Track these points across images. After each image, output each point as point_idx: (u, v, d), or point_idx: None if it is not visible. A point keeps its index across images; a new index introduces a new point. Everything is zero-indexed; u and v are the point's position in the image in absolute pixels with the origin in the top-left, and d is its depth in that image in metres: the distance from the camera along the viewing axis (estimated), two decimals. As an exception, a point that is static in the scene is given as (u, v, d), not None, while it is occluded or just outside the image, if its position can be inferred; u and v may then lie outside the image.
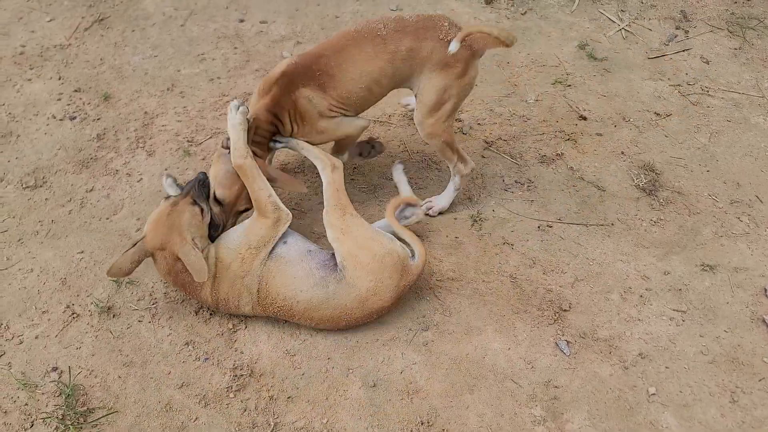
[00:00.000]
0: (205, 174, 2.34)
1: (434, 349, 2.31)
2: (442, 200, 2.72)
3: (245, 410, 2.13)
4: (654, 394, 2.23)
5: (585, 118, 3.23)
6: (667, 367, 2.30)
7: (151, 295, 2.41)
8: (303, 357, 2.27)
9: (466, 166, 2.65)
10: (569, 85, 3.41)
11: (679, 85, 3.46)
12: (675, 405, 2.21)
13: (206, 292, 2.23)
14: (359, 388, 2.20)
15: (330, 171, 2.35)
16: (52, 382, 2.18)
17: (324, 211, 2.33)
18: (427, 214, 2.69)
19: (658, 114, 3.29)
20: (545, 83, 3.42)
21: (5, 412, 2.10)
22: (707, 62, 3.61)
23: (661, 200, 2.87)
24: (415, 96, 2.51)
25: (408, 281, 2.28)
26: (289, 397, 2.17)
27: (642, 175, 2.97)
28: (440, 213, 2.73)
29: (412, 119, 3.08)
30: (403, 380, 2.22)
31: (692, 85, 3.46)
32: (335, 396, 2.18)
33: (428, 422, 2.13)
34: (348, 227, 2.29)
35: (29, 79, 3.22)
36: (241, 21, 3.62)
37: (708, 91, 3.43)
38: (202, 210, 2.26)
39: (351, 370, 2.24)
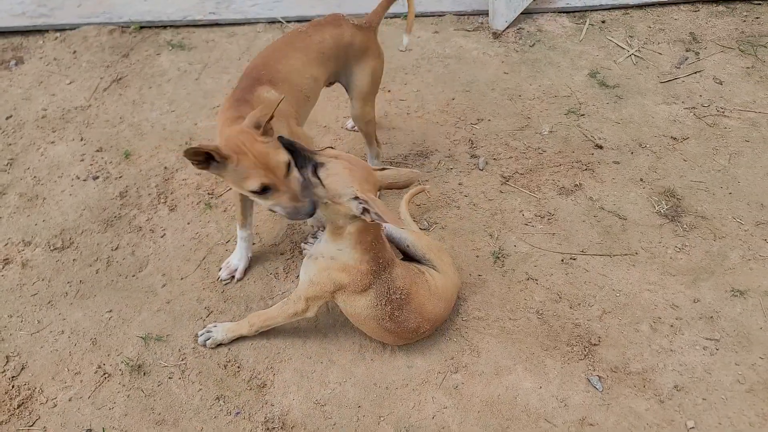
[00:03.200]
0: None
1: (465, 391, 2.31)
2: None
3: (279, 464, 2.15)
4: (693, 428, 2.21)
5: (601, 147, 3.26)
6: (704, 399, 2.28)
7: (180, 350, 2.45)
8: (333, 406, 2.28)
9: (380, 148, 3.02)
10: (582, 115, 3.45)
11: (693, 107, 3.48)
12: (715, 438, 2.19)
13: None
14: (392, 435, 2.21)
15: None
16: (86, 444, 2.21)
17: None
18: None
19: (674, 138, 3.31)
20: (558, 114, 3.46)
21: (42, 477, 2.15)
22: (720, 83, 3.63)
23: (685, 226, 2.87)
24: (347, 88, 2.73)
25: None
26: (322, 449, 2.18)
27: (663, 202, 2.98)
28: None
29: (424, 162, 3.15)
30: (435, 426, 2.22)
31: (707, 107, 3.48)
32: (368, 445, 2.19)
33: (463, 468, 2.13)
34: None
35: (52, 142, 3.34)
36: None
37: (724, 112, 3.44)
38: None
39: (382, 418, 2.25)
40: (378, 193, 2.11)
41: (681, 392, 2.30)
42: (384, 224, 2.11)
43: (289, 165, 2.08)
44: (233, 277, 2.68)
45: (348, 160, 2.05)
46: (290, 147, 2.02)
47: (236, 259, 2.68)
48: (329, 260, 2.22)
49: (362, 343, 2.45)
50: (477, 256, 2.76)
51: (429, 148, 3.28)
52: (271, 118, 2.06)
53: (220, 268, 2.69)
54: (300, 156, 2.02)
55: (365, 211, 1.99)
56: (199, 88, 3.65)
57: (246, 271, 2.71)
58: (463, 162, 3.20)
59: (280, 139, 2.02)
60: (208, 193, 3.04)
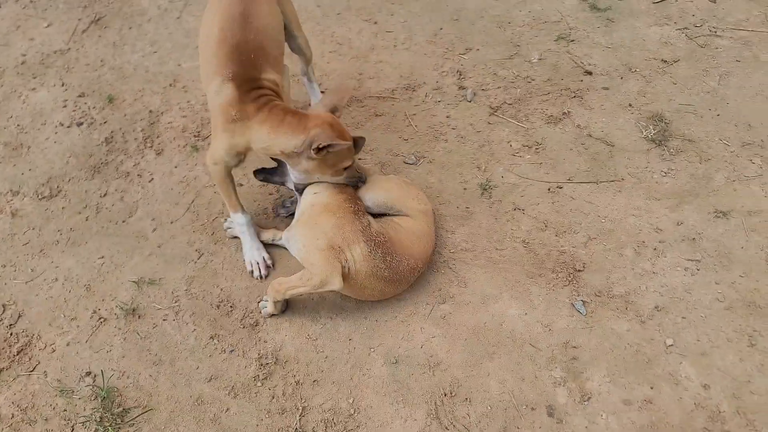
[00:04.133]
0: None
1: (452, 321, 2.37)
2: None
3: (273, 397, 2.22)
4: (672, 345, 2.27)
5: (590, 73, 3.21)
6: (683, 318, 2.34)
7: (173, 293, 2.50)
8: (325, 340, 2.35)
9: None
10: (572, 40, 3.38)
11: (686, 28, 3.40)
12: (693, 354, 2.25)
13: None
14: (382, 365, 2.27)
15: None
16: (87, 386, 2.27)
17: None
18: None
19: (665, 61, 3.24)
20: (548, 40, 3.39)
21: (46, 419, 2.21)
22: (714, 1, 3.52)
23: (672, 150, 2.86)
24: (286, 21, 2.57)
25: None
26: (314, 381, 2.25)
27: (651, 126, 2.95)
28: None
29: (411, 95, 3.11)
30: (423, 354, 2.29)
31: (699, 26, 3.40)
32: (359, 376, 2.26)
33: (451, 392, 2.20)
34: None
35: (33, 89, 3.29)
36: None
37: (716, 32, 3.36)
38: None
39: (372, 349, 2.32)
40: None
41: (661, 312, 2.35)
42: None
43: None
44: (269, 267, 2.55)
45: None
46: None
47: (254, 251, 2.54)
48: (310, 208, 2.31)
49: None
50: (465, 189, 2.77)
51: (416, 80, 3.22)
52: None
53: (251, 272, 2.54)
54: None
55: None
56: (180, 27, 3.56)
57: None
58: (450, 94, 3.16)
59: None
60: (194, 136, 3.02)
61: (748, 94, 3.06)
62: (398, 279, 2.32)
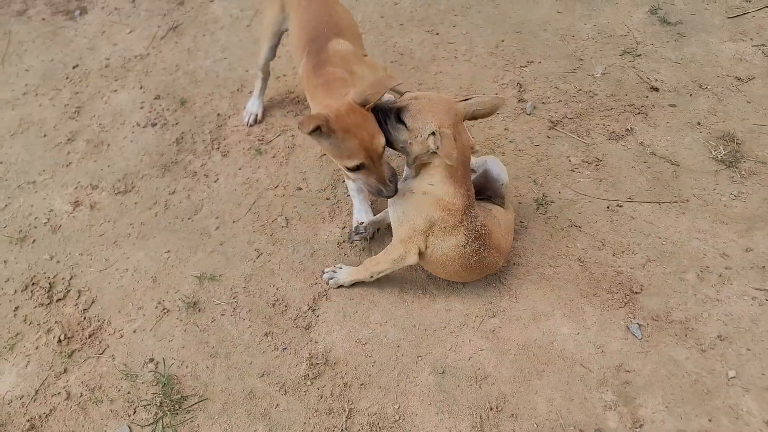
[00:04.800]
0: None
1: (502, 335, 2.32)
2: None
3: (321, 397, 2.24)
4: (734, 377, 2.15)
5: (657, 89, 3.09)
6: (748, 350, 2.21)
7: (231, 289, 2.56)
8: (374, 345, 2.35)
9: None
10: (639, 55, 3.26)
11: (762, 45, 3.22)
12: (757, 388, 2.12)
13: None
14: (429, 374, 2.25)
15: None
16: (149, 372, 2.35)
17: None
18: None
19: (739, 78, 3.09)
20: (613, 55, 3.28)
21: (111, 400, 2.29)
22: (794, 17, 3.34)
23: (743, 172, 2.71)
24: None
25: None
26: (362, 384, 2.25)
27: (721, 146, 2.81)
28: None
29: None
30: (471, 367, 2.25)
31: (777, 43, 3.22)
32: (406, 383, 2.24)
33: (497, 407, 2.15)
34: None
35: (115, 90, 3.44)
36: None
37: (795, 50, 3.18)
38: None
39: (420, 358, 2.30)
40: (463, 121, 2.15)
41: (724, 342, 2.23)
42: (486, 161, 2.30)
43: (384, 148, 2.13)
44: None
45: (427, 97, 2.09)
46: (374, 110, 2.11)
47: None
48: (421, 195, 2.19)
49: (402, 287, 2.48)
50: (520, 203, 2.71)
51: (476, 91, 3.18)
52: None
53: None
54: (382, 112, 2.10)
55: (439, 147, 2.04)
56: (250, 35, 3.65)
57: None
58: (510, 106, 3.10)
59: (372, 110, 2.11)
60: (258, 140, 3.09)
61: (828, 116, 2.87)
62: (480, 269, 2.30)
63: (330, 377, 2.28)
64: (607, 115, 3.00)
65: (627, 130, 2.93)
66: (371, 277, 2.41)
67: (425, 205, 2.18)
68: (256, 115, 3.16)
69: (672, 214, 2.61)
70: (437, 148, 2.03)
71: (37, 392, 2.33)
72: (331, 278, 2.49)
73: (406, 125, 2.07)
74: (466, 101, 2.13)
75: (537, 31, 3.44)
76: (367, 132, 2.07)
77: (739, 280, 2.38)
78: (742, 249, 2.47)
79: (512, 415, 2.13)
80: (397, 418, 2.16)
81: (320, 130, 2.03)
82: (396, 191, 2.18)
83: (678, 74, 3.14)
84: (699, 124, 2.92)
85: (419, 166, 2.18)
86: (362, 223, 2.58)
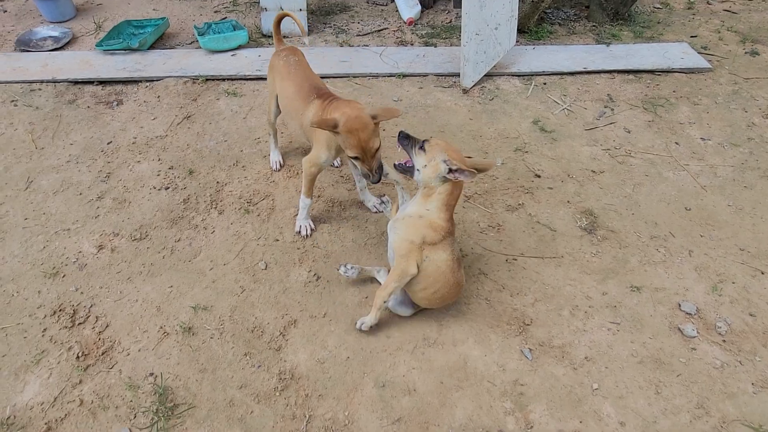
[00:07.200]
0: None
1: (428, 357, 2.24)
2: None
3: (287, 405, 2.08)
4: (597, 388, 2.13)
5: (539, 176, 3.18)
6: (606, 367, 2.20)
7: (219, 318, 2.39)
8: (330, 364, 2.22)
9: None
10: (527, 152, 3.37)
11: (608, 149, 3.40)
12: (613, 397, 2.10)
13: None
14: (372, 387, 2.13)
15: None
16: (149, 384, 2.16)
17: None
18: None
19: (594, 171, 3.22)
20: (508, 150, 3.39)
21: (116, 407, 2.09)
22: (629, 131, 3.54)
23: (599, 237, 2.79)
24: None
25: None
26: (319, 395, 2.11)
27: (583, 218, 2.89)
28: None
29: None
30: (404, 381, 2.15)
31: (618, 149, 3.40)
32: (354, 394, 2.12)
33: (425, 413, 2.05)
34: None
35: (138, 161, 3.29)
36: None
37: (630, 153, 3.36)
38: None
39: (366, 374, 2.18)
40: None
41: (589, 362, 2.22)
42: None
43: (377, 150, 2.19)
44: (312, 231, 2.76)
45: (445, 141, 2.12)
46: (407, 135, 2.16)
47: (304, 220, 2.75)
48: (417, 218, 2.11)
49: (354, 318, 2.38)
50: (443, 255, 2.68)
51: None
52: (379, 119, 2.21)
53: (298, 231, 2.75)
54: (413, 140, 2.14)
55: (451, 171, 2.03)
56: (245, 125, 3.59)
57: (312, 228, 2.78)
58: (436, 184, 3.12)
59: (401, 133, 2.16)
60: (247, 202, 2.98)
61: (654, 200, 3.01)
62: (456, 288, 2.20)
63: (295, 389, 2.13)
64: (505, 193, 3.06)
65: (519, 204, 2.98)
66: (385, 302, 2.20)
67: (420, 225, 2.10)
68: (279, 162, 3.15)
69: (552, 266, 2.63)
70: (447, 171, 2.03)
71: (55, 399, 2.09)
72: (362, 324, 2.28)
73: (425, 151, 2.09)
74: (470, 159, 2.15)
75: (455, 132, 3.53)
76: (366, 135, 2.14)
77: (598, 315, 2.40)
78: (600, 293, 2.50)
79: (436, 421, 2.03)
80: (347, 423, 2.02)
81: (334, 128, 2.14)
82: (379, 180, 2.23)
83: (553, 166, 3.26)
84: (568, 202, 3.00)
85: (426, 192, 2.12)
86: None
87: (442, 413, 2.05)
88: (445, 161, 2.04)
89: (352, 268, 2.47)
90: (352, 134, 2.13)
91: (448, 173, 2.03)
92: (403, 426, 2.01)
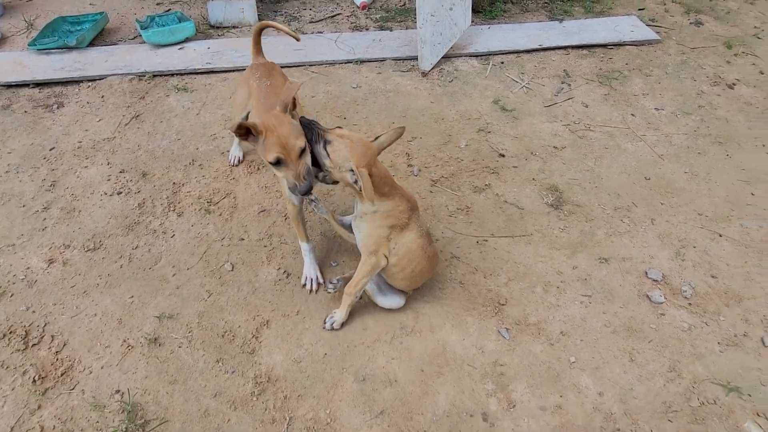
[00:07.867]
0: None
1: (407, 345, 2.20)
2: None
3: (266, 410, 2.01)
4: (574, 362, 2.15)
5: (503, 156, 3.18)
6: (582, 340, 2.23)
7: (187, 325, 2.28)
8: (307, 362, 2.15)
9: None
10: (489, 132, 3.36)
11: (568, 124, 3.43)
12: (590, 368, 2.13)
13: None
14: (352, 382, 2.08)
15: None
16: (116, 402, 2.03)
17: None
18: None
19: (556, 147, 3.25)
20: (471, 131, 3.37)
21: (81, 429, 1.95)
22: (587, 106, 3.59)
23: (565, 212, 2.81)
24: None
25: None
26: (299, 396, 2.04)
27: (549, 195, 2.91)
28: None
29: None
30: (384, 373, 2.11)
31: (578, 123, 3.43)
32: (334, 391, 2.06)
33: (408, 402, 2.02)
34: None
35: (86, 167, 3.08)
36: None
37: (589, 127, 3.40)
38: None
39: (345, 369, 2.13)
40: (378, 155, 1.99)
41: (565, 336, 2.24)
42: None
43: (303, 150, 1.90)
44: (320, 284, 2.41)
45: (350, 138, 1.92)
46: (308, 126, 1.92)
47: (311, 269, 2.41)
48: (372, 214, 2.02)
49: (328, 312, 2.31)
50: (414, 241, 2.64)
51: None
52: (294, 104, 1.98)
53: (304, 285, 2.40)
54: (315, 133, 1.92)
55: (356, 180, 1.89)
56: (199, 121, 3.42)
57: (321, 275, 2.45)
58: (402, 170, 3.07)
59: (302, 119, 1.92)
60: (207, 202, 2.84)
61: (615, 171, 3.06)
62: (435, 258, 2.16)
63: (272, 392, 2.05)
64: (471, 175, 3.04)
65: (486, 185, 2.97)
66: (357, 296, 2.15)
67: (379, 219, 2.02)
68: (238, 157, 3.01)
69: (522, 244, 2.64)
70: (355, 182, 1.90)
71: (12, 429, 1.93)
72: (332, 322, 2.21)
73: (329, 155, 1.91)
74: (377, 139, 2.01)
75: (417, 116, 3.48)
76: (285, 131, 1.86)
77: (570, 289, 2.43)
78: (570, 267, 2.53)
79: (419, 408, 2.00)
80: (329, 421, 1.97)
81: (251, 133, 1.88)
82: (310, 189, 1.90)
83: (516, 145, 3.26)
84: (533, 179, 3.02)
85: (351, 189, 2.01)
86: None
87: (425, 401, 2.02)
88: (351, 171, 1.89)
89: (337, 280, 2.37)
90: (269, 132, 1.85)
91: (354, 183, 1.91)
92: (386, 418, 1.97)
